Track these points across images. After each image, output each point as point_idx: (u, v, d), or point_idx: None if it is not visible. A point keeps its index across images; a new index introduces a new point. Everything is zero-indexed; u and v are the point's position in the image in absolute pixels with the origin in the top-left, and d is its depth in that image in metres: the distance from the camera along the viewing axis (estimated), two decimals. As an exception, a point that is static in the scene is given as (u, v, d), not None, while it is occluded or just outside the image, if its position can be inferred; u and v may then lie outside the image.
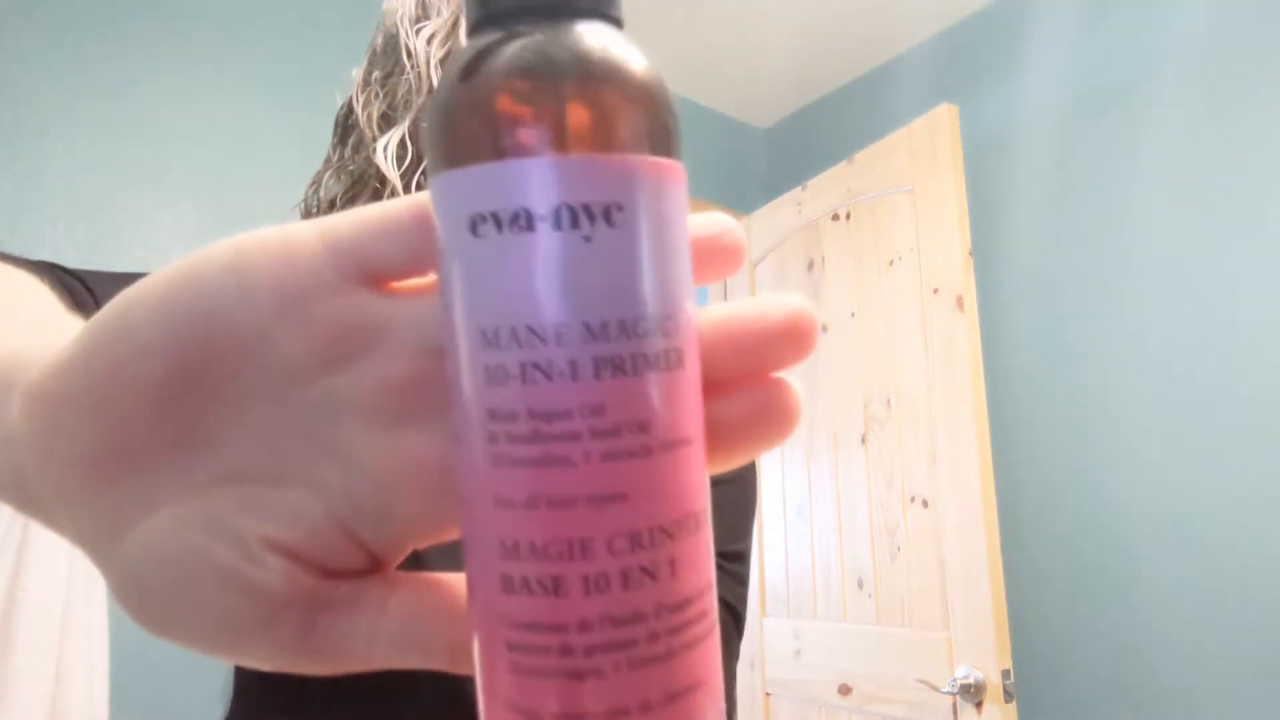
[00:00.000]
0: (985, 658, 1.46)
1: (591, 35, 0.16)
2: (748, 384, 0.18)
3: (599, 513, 0.15)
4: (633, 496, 0.16)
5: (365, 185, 0.54)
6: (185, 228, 1.54)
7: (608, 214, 0.16)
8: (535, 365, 0.15)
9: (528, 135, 0.16)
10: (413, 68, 0.53)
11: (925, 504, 1.64)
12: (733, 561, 0.58)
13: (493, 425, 0.16)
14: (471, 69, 0.16)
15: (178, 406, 0.17)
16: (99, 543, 0.18)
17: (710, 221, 0.19)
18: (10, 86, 1.43)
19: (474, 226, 0.16)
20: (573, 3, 0.16)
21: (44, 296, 0.32)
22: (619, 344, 0.16)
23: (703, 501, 0.17)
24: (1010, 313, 1.86)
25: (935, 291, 1.69)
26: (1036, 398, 1.79)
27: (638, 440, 0.16)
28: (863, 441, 1.81)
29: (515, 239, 0.15)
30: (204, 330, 0.17)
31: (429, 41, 0.53)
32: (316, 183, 0.58)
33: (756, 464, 1.90)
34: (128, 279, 0.43)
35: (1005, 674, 1.44)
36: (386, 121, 0.54)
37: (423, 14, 0.55)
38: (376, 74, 0.56)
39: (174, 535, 0.17)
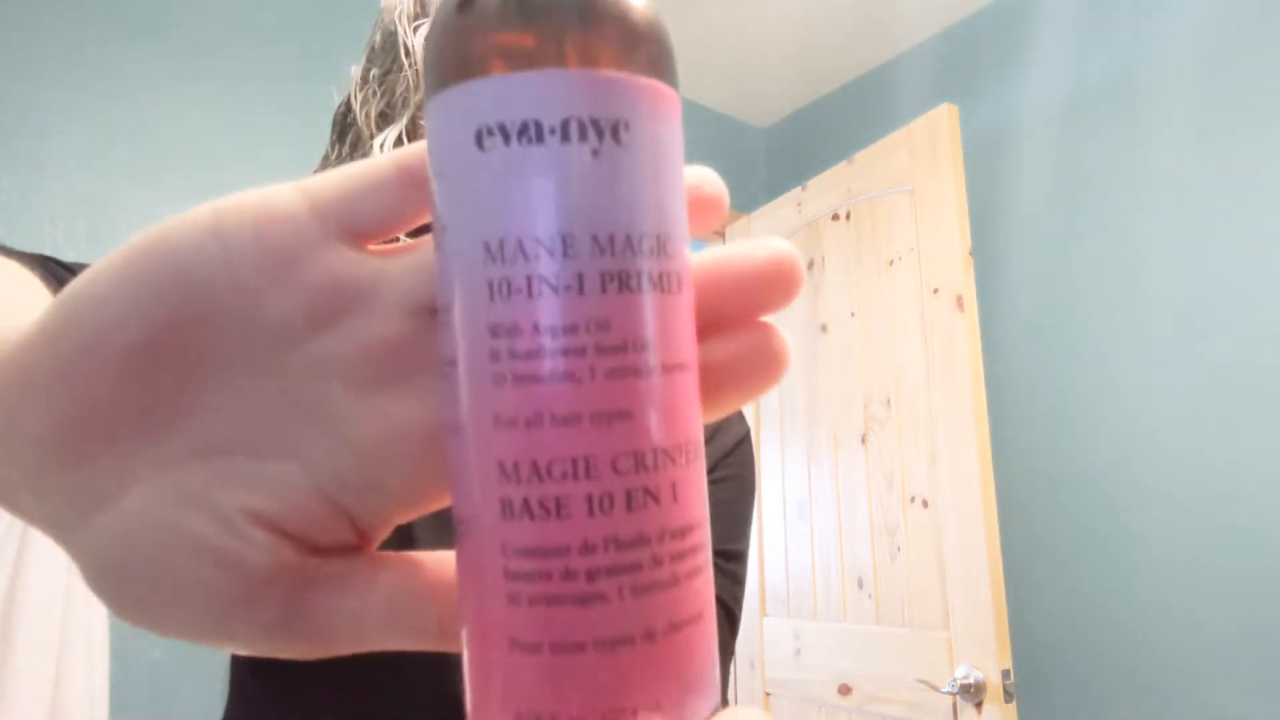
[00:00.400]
0: (985, 658, 1.46)
1: None
2: (735, 327, 0.18)
3: (604, 431, 0.15)
4: (636, 416, 0.15)
5: None
6: (185, 227, 1.54)
7: (615, 131, 0.16)
8: (542, 278, 0.15)
9: (538, 49, 0.16)
10: (410, 65, 0.53)
11: (925, 504, 1.64)
12: (731, 561, 0.57)
13: (495, 342, 0.15)
14: None
15: (154, 377, 0.16)
16: (70, 524, 0.17)
17: (691, 171, 0.19)
18: (10, 85, 1.43)
19: (480, 139, 0.15)
20: None
21: (32, 286, 0.32)
22: (625, 260, 0.16)
23: (698, 432, 0.17)
24: (1010, 313, 1.86)
25: (935, 291, 1.69)
26: (1036, 398, 1.79)
27: (641, 359, 0.16)
28: (863, 441, 1.81)
29: (523, 151, 0.15)
30: (183, 296, 0.16)
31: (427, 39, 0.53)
32: None
33: (756, 465, 1.90)
34: None
35: (1005, 674, 1.44)
36: (384, 119, 0.54)
37: (421, 11, 0.55)
38: (375, 72, 0.56)
39: (151, 511, 0.16)
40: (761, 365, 0.18)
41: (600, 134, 0.16)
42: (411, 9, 0.55)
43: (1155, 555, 1.56)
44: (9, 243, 1.39)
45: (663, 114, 0.17)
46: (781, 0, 2.07)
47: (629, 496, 0.15)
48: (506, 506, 0.15)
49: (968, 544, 1.54)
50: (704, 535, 0.17)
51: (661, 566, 0.15)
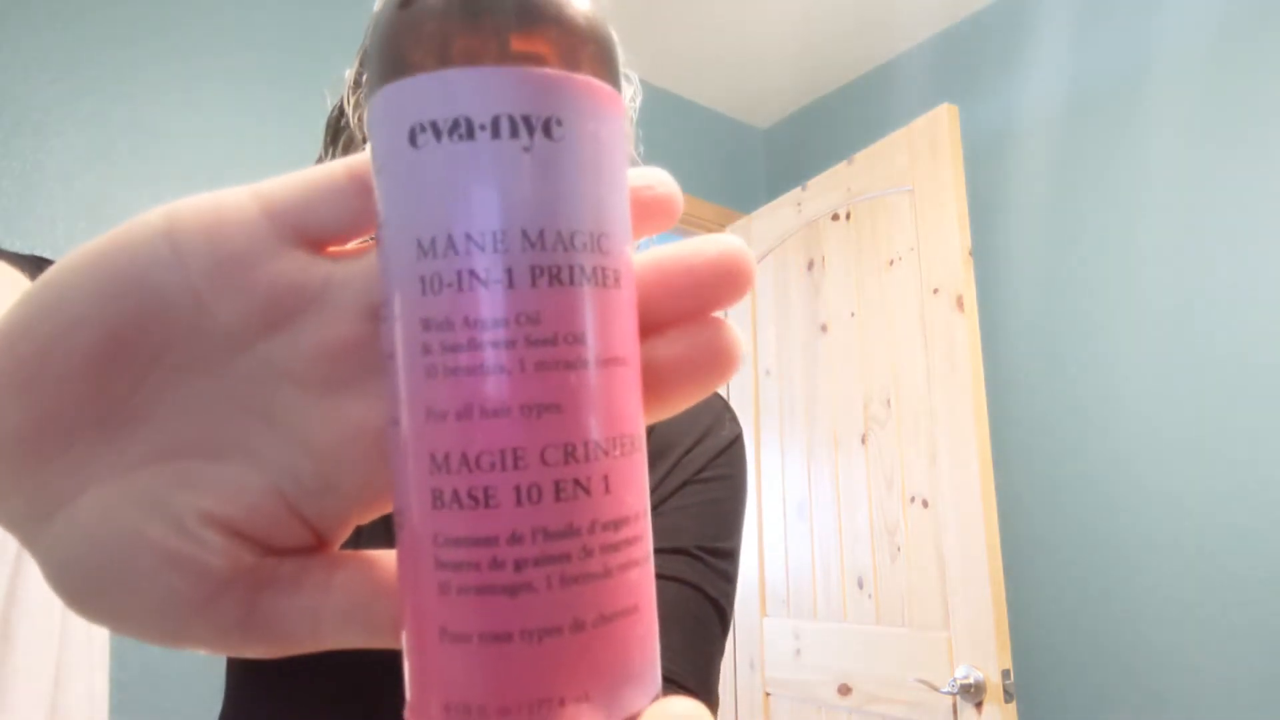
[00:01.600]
0: (985, 658, 1.46)
1: None
2: (686, 323, 0.19)
3: (532, 422, 0.15)
4: (566, 408, 0.16)
5: None
6: (185, 227, 1.54)
7: (547, 127, 0.16)
8: (472, 272, 0.15)
9: (470, 46, 0.16)
10: None
11: (925, 504, 1.64)
12: (722, 559, 0.57)
13: (427, 335, 0.16)
14: None
15: (111, 380, 0.17)
16: (30, 524, 0.17)
17: (642, 172, 0.19)
18: (10, 85, 1.43)
19: (413, 137, 0.16)
20: None
21: (21, 288, 0.32)
22: (555, 254, 0.16)
23: (638, 427, 0.17)
24: (1010, 313, 1.86)
25: (935, 291, 1.69)
26: (1036, 397, 1.79)
27: (573, 352, 0.16)
28: (863, 441, 1.81)
29: (454, 147, 0.16)
30: (137, 298, 0.17)
31: None
32: None
33: (751, 466, 1.89)
34: None
35: (1005, 674, 1.44)
36: None
37: None
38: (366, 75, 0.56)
39: (108, 514, 0.17)
40: (712, 361, 0.19)
41: (531, 131, 0.16)
42: None
43: (1155, 555, 1.56)
44: (9, 243, 1.39)
45: (601, 112, 0.17)
46: (781, 0, 2.07)
47: (557, 487, 0.15)
48: (437, 497, 0.15)
49: (968, 544, 1.54)
50: (643, 529, 0.17)
51: (592, 558, 0.16)
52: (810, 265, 2.02)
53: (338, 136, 0.59)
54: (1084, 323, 1.74)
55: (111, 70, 1.53)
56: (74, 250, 0.17)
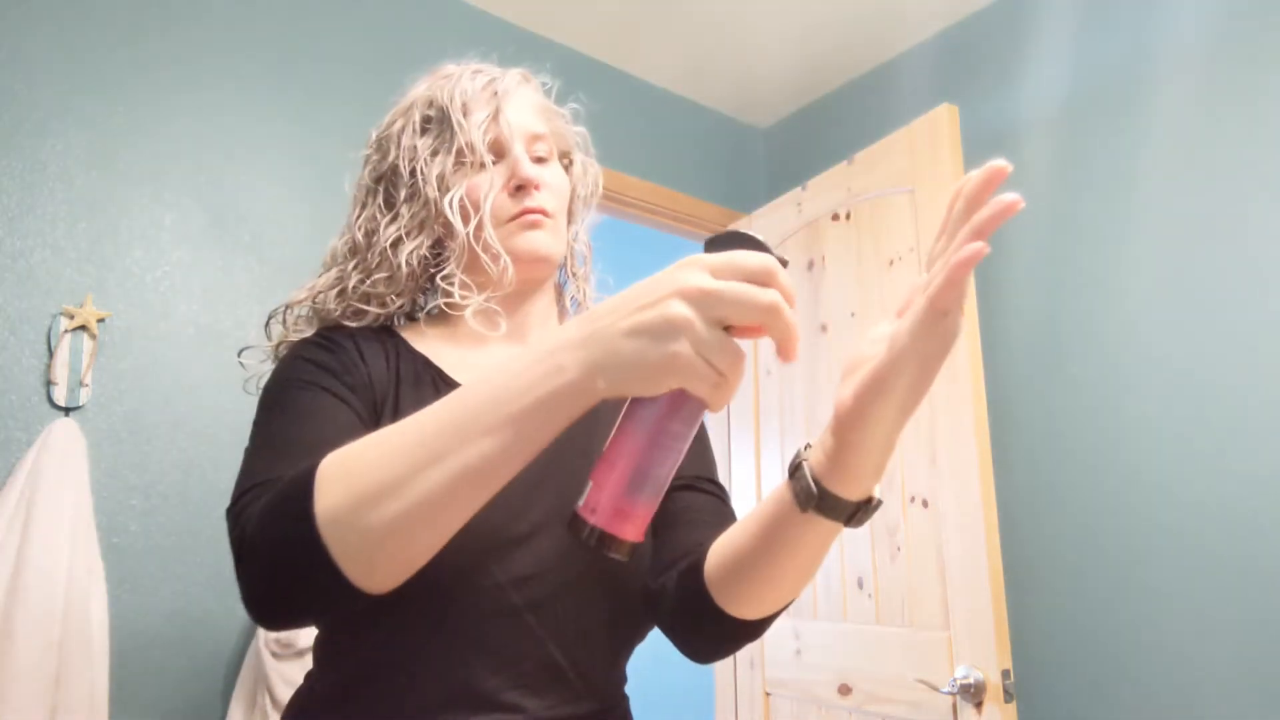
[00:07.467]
0: (985, 658, 1.46)
1: None
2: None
3: None
4: None
5: (427, 230, 0.67)
6: (186, 227, 1.54)
7: None
8: None
9: None
10: (464, 138, 0.67)
11: (925, 504, 1.64)
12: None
13: None
14: None
15: None
16: None
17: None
18: (10, 85, 1.43)
19: None
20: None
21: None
22: None
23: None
24: (1010, 313, 1.86)
25: (935, 291, 1.68)
26: (1036, 398, 1.79)
27: None
28: (863, 441, 1.81)
29: None
30: None
31: (476, 125, 0.67)
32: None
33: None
34: None
35: (1005, 674, 1.44)
36: (442, 181, 0.66)
37: (466, 104, 0.68)
38: (426, 142, 0.68)
39: None
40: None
41: None
42: (459, 100, 0.68)
43: (1155, 554, 1.56)
44: (8, 245, 1.39)
45: None
46: (781, 0, 2.07)
47: None
48: None
49: (968, 544, 1.54)
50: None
51: None
52: (810, 265, 2.02)
53: (396, 190, 0.69)
54: (1083, 323, 1.74)
55: (111, 70, 1.53)
56: None
